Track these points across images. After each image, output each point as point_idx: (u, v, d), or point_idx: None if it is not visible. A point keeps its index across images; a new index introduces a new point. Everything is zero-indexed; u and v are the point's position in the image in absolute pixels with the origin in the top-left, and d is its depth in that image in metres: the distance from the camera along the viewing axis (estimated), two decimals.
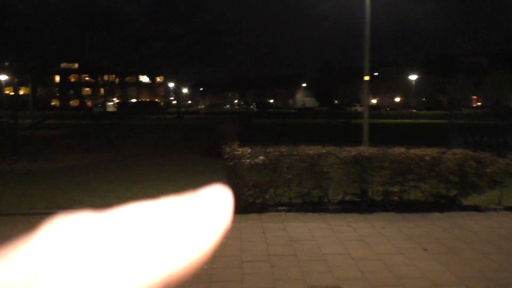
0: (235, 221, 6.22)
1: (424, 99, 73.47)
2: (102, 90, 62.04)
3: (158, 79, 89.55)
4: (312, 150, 6.96)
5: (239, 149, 6.82)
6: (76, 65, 78.50)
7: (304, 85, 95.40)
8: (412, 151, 7.06)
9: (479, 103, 66.42)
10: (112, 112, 54.77)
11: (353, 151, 7.04)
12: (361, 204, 7.03)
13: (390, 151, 6.98)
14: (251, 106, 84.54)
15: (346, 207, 6.93)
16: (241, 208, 6.75)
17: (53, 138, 15.86)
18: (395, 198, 7.15)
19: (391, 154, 6.93)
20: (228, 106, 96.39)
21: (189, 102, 67.92)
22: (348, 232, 5.81)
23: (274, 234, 5.70)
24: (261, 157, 6.78)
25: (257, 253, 4.99)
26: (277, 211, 6.79)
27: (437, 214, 6.74)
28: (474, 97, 70.45)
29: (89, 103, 73.98)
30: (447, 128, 11.64)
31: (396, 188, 7.09)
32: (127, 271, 0.25)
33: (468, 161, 6.87)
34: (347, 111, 54.61)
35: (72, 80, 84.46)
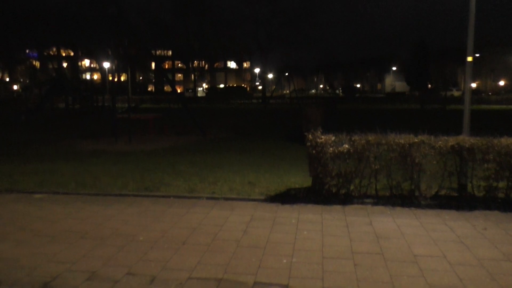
0: (316, 212, 5.95)
1: None
2: (192, 76, 64.75)
3: (245, 64, 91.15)
4: (402, 139, 6.38)
5: (322, 137, 6.48)
6: (170, 52, 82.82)
7: (394, 68, 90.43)
8: None
9: None
10: (201, 97, 56.98)
11: (451, 140, 6.32)
12: (458, 200, 6.31)
13: (496, 142, 6.14)
14: (337, 91, 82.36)
15: (441, 202, 6.27)
16: (324, 198, 6.45)
17: (147, 122, 16.78)
18: (501, 195, 6.30)
19: (497, 144, 6.09)
20: (313, 91, 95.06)
21: (273, 87, 67.99)
22: (443, 231, 5.22)
23: (359, 229, 5.32)
24: (346, 146, 6.38)
25: (339, 249, 4.67)
26: (362, 203, 6.36)
27: None
28: None
29: (180, 89, 77.86)
30: None
31: (502, 184, 6.24)
32: None
33: None
34: (442, 96, 50.69)
35: (166, 66, 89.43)
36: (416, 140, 6.36)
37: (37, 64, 69.80)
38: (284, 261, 4.35)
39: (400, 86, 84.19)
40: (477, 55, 64.20)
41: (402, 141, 6.31)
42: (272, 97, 53.09)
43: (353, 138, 6.43)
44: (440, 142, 6.32)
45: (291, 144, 12.63)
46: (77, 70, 71.37)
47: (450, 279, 3.96)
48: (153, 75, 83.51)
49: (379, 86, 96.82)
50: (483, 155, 6.17)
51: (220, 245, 4.79)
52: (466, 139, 6.32)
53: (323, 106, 19.58)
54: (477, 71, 64.90)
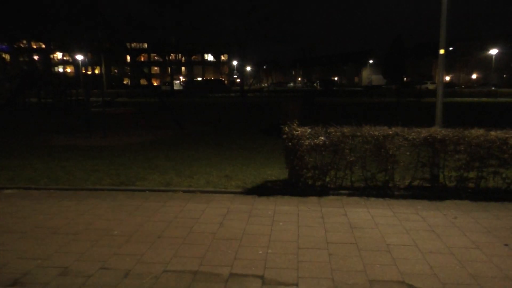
0: (292, 204, 5.99)
1: (505, 75, 67.41)
2: (169, 69, 64.00)
3: (222, 57, 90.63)
4: (377, 131, 6.47)
5: (298, 129, 6.51)
6: (146, 45, 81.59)
7: (371, 61, 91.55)
8: (492, 133, 6.31)
9: None
10: (179, 91, 56.41)
11: (424, 132, 6.45)
12: (431, 191, 6.46)
13: (467, 133, 6.30)
14: (315, 84, 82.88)
15: (414, 193, 6.40)
16: (300, 190, 6.49)
17: (122, 116, 16.51)
18: (471, 185, 6.48)
19: (468, 136, 6.25)
20: (291, 84, 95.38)
21: (251, 80, 67.90)
22: (415, 221, 5.34)
23: (334, 219, 5.38)
24: (322, 138, 6.42)
25: (314, 239, 4.72)
26: (337, 194, 6.44)
27: None
28: None
29: (156, 82, 76.86)
30: None
31: (472, 174, 6.42)
32: None
33: None
34: (417, 89, 51.64)
35: (142, 59, 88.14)
36: (390, 132, 6.46)
37: (7, 57, 67.63)
38: (260, 252, 4.36)
39: (377, 79, 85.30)
40: (451, 48, 65.62)
41: (376, 133, 6.40)
42: (250, 91, 53.05)
43: (328, 130, 6.48)
44: (413, 134, 6.43)
45: (268, 138, 12.67)
46: (49, 63, 69.52)
47: (422, 267, 4.06)
48: (128, 68, 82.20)
49: (356, 79, 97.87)
50: (455, 146, 6.31)
51: (196, 238, 4.76)
52: (438, 131, 6.45)
53: (300, 99, 19.72)
54: (451, 64, 66.40)
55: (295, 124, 6.64)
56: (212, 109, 27.36)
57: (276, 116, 15.26)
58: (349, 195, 6.42)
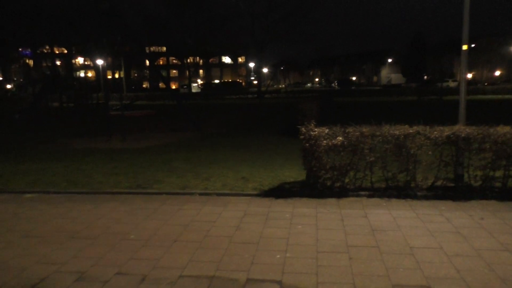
0: (311, 206, 5.86)
1: None
2: (187, 72, 64.43)
3: (240, 59, 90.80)
4: (397, 130, 6.29)
5: (316, 129, 6.38)
6: (164, 49, 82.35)
7: (390, 60, 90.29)
8: None
9: None
10: (196, 93, 56.76)
11: (446, 130, 6.23)
12: (455, 191, 6.24)
13: (492, 131, 6.05)
14: (333, 84, 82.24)
15: (437, 193, 6.19)
16: (318, 192, 6.36)
17: (141, 119, 16.63)
18: (497, 184, 6.23)
19: (493, 134, 6.01)
20: (309, 84, 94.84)
21: (269, 82, 67.87)
22: (440, 223, 5.14)
23: (354, 222, 5.24)
24: (340, 138, 6.28)
25: (334, 243, 4.58)
26: (357, 196, 6.28)
27: None
28: None
29: (175, 85, 77.54)
30: None
31: (498, 173, 6.17)
32: None
33: None
34: (438, 87, 50.66)
35: (161, 63, 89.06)
36: (411, 131, 6.26)
37: (30, 62, 69.30)
38: (278, 256, 4.26)
39: (396, 78, 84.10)
40: (473, 45, 64.13)
41: (397, 132, 6.21)
42: (268, 92, 52.93)
43: (347, 130, 6.33)
44: (435, 132, 6.23)
45: (286, 139, 12.54)
46: (71, 68, 70.89)
47: (448, 270, 3.88)
48: (147, 71, 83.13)
49: (375, 78, 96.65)
50: (479, 144, 6.08)
51: (212, 241, 4.69)
52: (461, 129, 6.23)
53: (318, 99, 19.50)
54: (473, 61, 64.85)
55: (313, 125, 6.51)
56: (229, 111, 27.36)
57: (293, 117, 15.12)
58: (369, 196, 6.25)
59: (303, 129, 6.46)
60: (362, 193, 6.32)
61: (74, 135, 14.99)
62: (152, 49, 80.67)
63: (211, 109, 28.82)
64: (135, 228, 5.18)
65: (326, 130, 6.37)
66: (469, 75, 69.78)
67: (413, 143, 6.23)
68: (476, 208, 5.67)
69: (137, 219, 5.52)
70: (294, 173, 7.66)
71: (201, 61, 73.46)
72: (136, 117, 16.69)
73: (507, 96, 37.84)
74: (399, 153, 6.29)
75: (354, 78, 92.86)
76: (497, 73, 71.00)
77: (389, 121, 6.55)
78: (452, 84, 60.11)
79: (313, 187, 6.46)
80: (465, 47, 6.97)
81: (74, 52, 73.03)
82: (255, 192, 6.57)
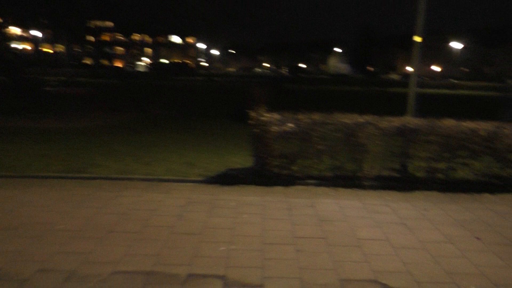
0: (258, 194, 5.64)
1: (467, 69, 69.61)
2: (134, 50, 61.92)
3: (189, 40, 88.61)
4: (348, 118, 6.19)
5: (266, 115, 6.13)
6: (110, 24, 78.47)
7: (339, 50, 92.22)
8: (464, 124, 6.17)
9: None
10: (143, 72, 54.78)
11: (396, 121, 6.23)
12: (400, 181, 6.27)
13: (438, 123, 6.12)
14: (282, 71, 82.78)
15: (384, 184, 6.19)
16: (266, 179, 6.14)
17: (80, 97, 15.59)
18: (440, 175, 6.34)
19: (440, 126, 6.07)
20: (259, 69, 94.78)
21: (219, 64, 67.03)
22: (386, 213, 5.11)
23: (301, 211, 5.07)
24: (291, 125, 6.08)
25: (281, 234, 4.38)
26: (305, 184, 6.13)
27: (489, 196, 5.91)
28: None
29: (118, 63, 74.29)
30: (502, 101, 10.50)
31: (441, 165, 6.27)
32: None
33: None
34: (382, 79, 52.51)
35: (109, 39, 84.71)
36: (362, 120, 6.19)
37: None
38: (222, 248, 3.98)
39: (343, 68, 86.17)
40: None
41: (348, 121, 6.12)
42: (217, 75, 52.19)
43: (298, 117, 6.14)
44: (385, 123, 6.20)
45: (235, 124, 12.20)
46: (5, 38, 65.58)
47: (395, 263, 3.81)
48: (92, 47, 78.89)
49: (323, 67, 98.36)
50: (427, 136, 6.13)
51: (151, 232, 4.32)
52: (411, 120, 6.25)
53: (268, 85, 19.30)
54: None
55: (263, 110, 6.25)
56: (177, 92, 26.51)
57: (243, 102, 14.83)
58: (317, 185, 6.13)
59: (253, 114, 6.19)
60: (310, 181, 6.18)
61: (2, 112, 13.71)
62: (97, 23, 76.55)
63: (158, 90, 27.76)
64: (64, 217, 4.68)
65: (277, 116, 6.14)
66: (410, 69, 72.92)
67: (363, 132, 6.16)
68: (420, 199, 5.73)
69: (67, 206, 5.00)
70: (242, 159, 7.41)
71: (149, 39, 70.88)
72: (74, 94, 15.61)
73: (444, 91, 39.90)
74: (348, 142, 6.21)
75: (304, 66, 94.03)
76: (437, 69, 74.69)
77: (338, 110, 6.46)
78: (395, 76, 62.62)
79: (261, 175, 6.23)
80: (418, 38, 6.99)
81: (9, 21, 67.64)
82: (200, 179, 6.24)
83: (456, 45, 56.27)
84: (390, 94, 29.03)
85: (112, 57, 76.19)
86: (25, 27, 64.62)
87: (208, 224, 4.59)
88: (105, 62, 73.29)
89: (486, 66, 68.82)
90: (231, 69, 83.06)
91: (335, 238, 4.32)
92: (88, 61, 76.86)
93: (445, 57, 70.06)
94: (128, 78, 27.98)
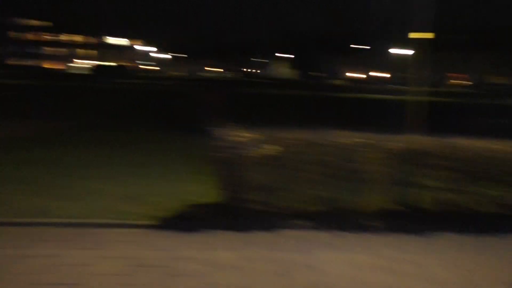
0: (233, 246, 4.01)
1: (410, 75, 72.33)
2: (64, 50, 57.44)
3: (135, 42, 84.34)
4: (346, 138, 4.76)
5: (240, 133, 4.52)
6: (48, 24, 72.80)
7: (281, 55, 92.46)
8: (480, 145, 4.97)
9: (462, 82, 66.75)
10: (76, 74, 50.86)
11: (403, 142, 4.90)
12: (410, 218, 4.88)
13: (458, 145, 4.86)
14: (227, 73, 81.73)
15: (392, 223, 4.74)
16: (242, 221, 4.51)
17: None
18: (455, 209, 5.06)
19: (460, 149, 4.81)
20: (206, 73, 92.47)
21: (157, 68, 64.46)
22: (417, 276, 3.66)
23: (300, 278, 3.49)
24: (276, 147, 4.51)
25: None
26: (293, 227, 4.56)
27: None
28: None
29: (56, 65, 68.96)
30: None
31: (461, 197, 4.99)
32: None
33: None
34: (326, 83, 52.95)
35: (32, 38, 78.05)
36: (362, 140, 4.78)
37: None
38: None
39: (287, 72, 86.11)
40: (368, 47, 68.72)
41: (347, 141, 4.66)
42: (162, 78, 49.60)
43: (283, 136, 4.59)
44: (390, 144, 4.83)
45: (182, 135, 10.20)
46: None
47: None
48: (13, 46, 72.18)
49: (263, 71, 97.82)
50: (441, 160, 4.84)
51: None
52: (420, 140, 4.94)
53: (220, 90, 17.62)
54: (361, 62, 69.51)
55: (233, 126, 4.64)
56: (114, 97, 23.90)
57: (189, 108, 12.94)
58: (309, 227, 4.58)
59: (220, 132, 4.55)
60: (299, 222, 4.63)
61: None
62: (34, 23, 70.71)
63: (95, 94, 24.98)
64: None
65: (253, 135, 4.55)
66: (355, 75, 74.44)
67: (362, 156, 4.75)
68: (446, 247, 4.36)
69: None
70: (200, 188, 5.64)
71: (82, 39, 66.45)
72: None
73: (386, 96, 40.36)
74: (344, 168, 4.76)
75: (246, 69, 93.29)
76: (384, 74, 76.09)
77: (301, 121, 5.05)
78: (338, 81, 63.46)
79: (233, 213, 4.59)
80: (416, 35, 5.74)
81: None
82: (148, 222, 4.47)
83: (402, 51, 57.65)
84: (341, 100, 28.36)
85: (47, 58, 70.43)
86: None
87: None
88: (33, 63, 67.46)
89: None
90: (175, 73, 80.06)
91: None
92: (14, 61, 70.28)
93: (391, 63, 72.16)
94: (61, 81, 25.04)
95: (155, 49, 76.38)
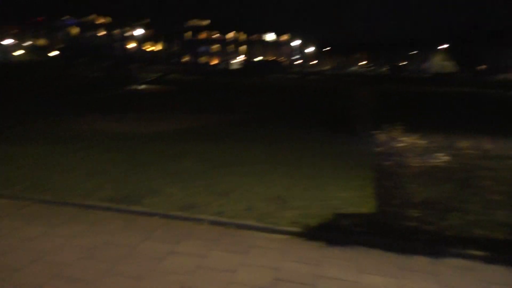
0: (387, 270, 3.43)
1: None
2: (228, 48, 62.17)
3: (284, 37, 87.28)
4: None
5: (404, 139, 3.87)
6: (206, 22, 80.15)
7: (444, 47, 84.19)
8: None
9: None
10: (237, 70, 54.51)
11: None
12: None
13: None
14: (382, 69, 77.95)
15: None
16: (398, 239, 3.88)
17: (163, 95, 14.50)
18: None
19: None
20: (354, 68, 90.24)
21: (314, 62, 64.55)
22: None
23: None
24: (445, 157, 3.74)
25: None
26: (464, 256, 3.73)
27: None
28: None
29: (216, 61, 75.34)
30: None
31: None
32: None
33: None
34: (493, 79, 46.09)
35: (202, 37, 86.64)
36: None
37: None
38: None
39: (448, 66, 78.16)
40: None
41: None
42: (311, 73, 49.90)
43: (457, 145, 3.78)
44: None
45: (334, 135, 9.65)
46: (112, 38, 70.15)
47: None
48: (186, 45, 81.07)
49: (425, 65, 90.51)
50: None
51: None
52: None
53: (368, 86, 16.51)
54: None
55: (397, 130, 4.00)
56: (268, 92, 24.66)
57: (341, 107, 12.26)
58: (486, 260, 3.69)
59: (382, 136, 3.97)
60: (471, 251, 3.77)
61: (89, 111, 12.90)
62: (194, 22, 78.67)
63: (246, 89, 26.28)
64: None
65: (420, 142, 3.85)
66: None
67: None
68: None
69: (87, 272, 3.26)
70: (352, 195, 5.16)
71: (243, 37, 70.93)
72: (159, 92, 14.54)
73: None
74: None
75: (405, 63, 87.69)
76: None
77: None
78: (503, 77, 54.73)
79: (389, 231, 3.99)
80: None
81: (116, 22, 71.95)
82: (295, 229, 4.17)
83: None
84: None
85: (196, 55, 77.56)
86: (129, 25, 68.46)
87: None
88: (204, 60, 74.81)
89: None
90: (326, 67, 79.92)
91: None
92: (185, 58, 79.18)
93: None
94: (215, 76, 27.09)
95: (300, 42, 77.02)
